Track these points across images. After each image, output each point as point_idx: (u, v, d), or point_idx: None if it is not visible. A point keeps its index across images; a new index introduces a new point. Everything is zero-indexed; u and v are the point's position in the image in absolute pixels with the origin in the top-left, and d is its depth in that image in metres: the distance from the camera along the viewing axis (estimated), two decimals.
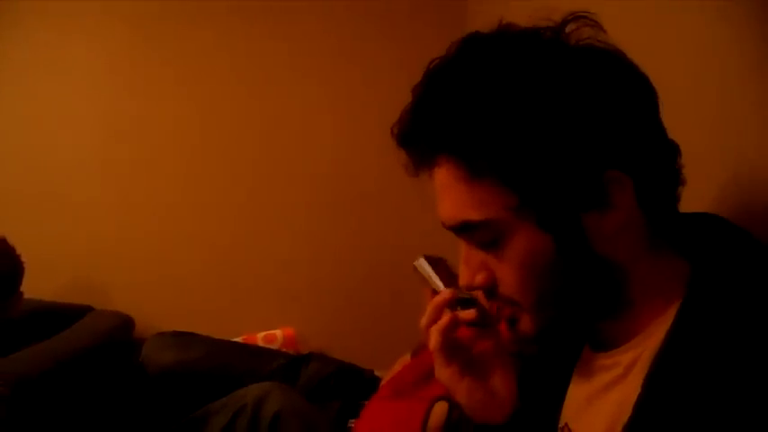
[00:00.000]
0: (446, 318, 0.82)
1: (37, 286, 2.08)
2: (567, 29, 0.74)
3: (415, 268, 0.92)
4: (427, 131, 0.75)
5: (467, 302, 0.83)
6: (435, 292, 0.88)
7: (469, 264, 0.78)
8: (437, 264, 0.92)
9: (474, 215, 0.74)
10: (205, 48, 2.42)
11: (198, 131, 2.44)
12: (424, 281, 0.91)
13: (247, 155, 2.46)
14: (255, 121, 2.45)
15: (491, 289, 0.78)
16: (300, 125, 2.46)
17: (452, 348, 0.84)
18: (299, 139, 2.46)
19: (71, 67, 2.37)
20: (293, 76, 2.45)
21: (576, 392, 0.85)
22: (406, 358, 1.84)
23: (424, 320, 0.85)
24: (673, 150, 0.76)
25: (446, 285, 0.88)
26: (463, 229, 0.76)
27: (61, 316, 2.06)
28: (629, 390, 0.72)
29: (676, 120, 0.76)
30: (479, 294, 0.81)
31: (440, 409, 1.28)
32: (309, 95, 2.47)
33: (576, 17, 0.75)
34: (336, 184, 2.47)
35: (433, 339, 0.82)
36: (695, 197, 0.79)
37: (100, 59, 2.39)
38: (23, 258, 1.95)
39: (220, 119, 2.44)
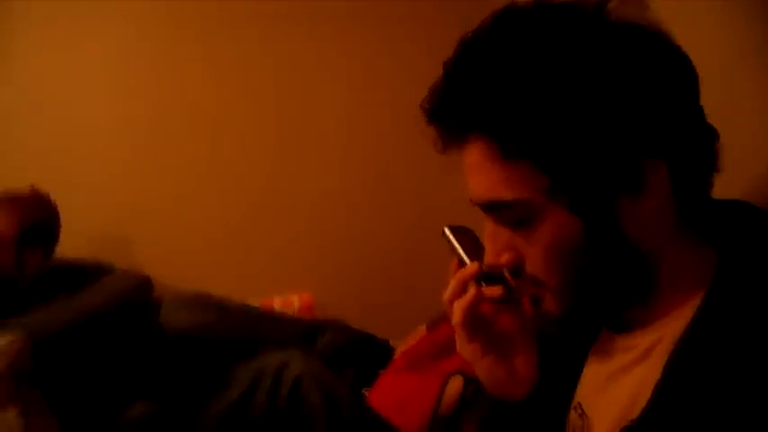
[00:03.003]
0: (472, 293, 0.81)
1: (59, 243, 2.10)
2: (610, 5, 0.72)
3: (444, 234, 0.89)
4: (460, 109, 0.72)
5: (492, 278, 0.81)
6: (461, 263, 0.86)
7: (495, 242, 0.77)
8: (463, 234, 0.89)
9: (505, 195, 0.72)
10: (225, 28, 2.40)
11: (223, 96, 2.43)
12: (452, 250, 0.88)
13: (270, 124, 2.45)
14: (280, 90, 2.44)
15: (517, 269, 0.76)
16: (324, 96, 2.45)
17: (476, 324, 0.83)
18: (322, 110, 2.45)
19: (100, 36, 2.37)
20: (317, 51, 2.44)
21: (592, 373, 0.84)
22: (422, 330, 1.85)
23: (447, 293, 0.83)
24: (711, 135, 0.74)
25: (471, 258, 0.85)
26: (493, 208, 0.75)
27: (82, 273, 2.08)
28: (648, 373, 0.71)
29: (713, 107, 0.74)
30: (505, 270, 0.80)
31: (454, 383, 1.29)
32: (333, 68, 2.45)
33: None
34: (361, 153, 2.46)
35: (457, 314, 0.81)
36: (728, 186, 0.77)
37: (129, 29, 2.38)
38: None
39: (245, 87, 2.43)
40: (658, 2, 1.06)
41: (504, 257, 0.76)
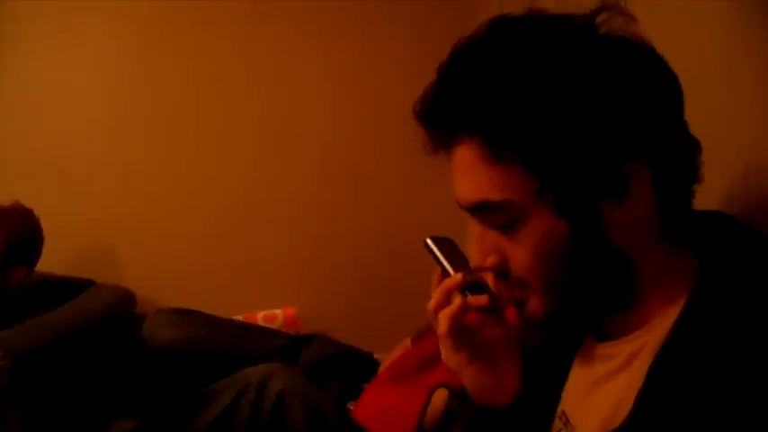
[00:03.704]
0: (457, 303, 0.82)
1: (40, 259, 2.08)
2: (599, 18, 0.74)
3: (427, 245, 0.90)
4: (453, 109, 0.74)
5: (476, 287, 0.82)
6: (444, 273, 0.87)
7: (482, 244, 0.78)
8: (445, 245, 0.90)
9: (494, 196, 0.73)
10: (213, 31, 2.40)
11: (206, 108, 2.42)
12: (435, 261, 0.89)
13: (252, 133, 2.45)
14: (264, 97, 2.44)
15: (502, 270, 0.77)
16: (308, 102, 2.45)
17: (461, 333, 0.84)
18: (307, 117, 2.45)
19: (79, 43, 2.36)
20: (298, 56, 2.44)
21: (576, 381, 0.85)
22: (406, 343, 1.84)
23: (432, 304, 0.84)
24: (693, 146, 0.76)
25: (455, 268, 0.86)
26: (480, 209, 0.76)
27: (63, 289, 2.06)
28: (631, 380, 0.72)
29: (692, 114, 0.76)
30: (489, 278, 0.81)
31: (439, 396, 1.28)
32: (316, 77, 2.45)
33: (607, 7, 0.74)
34: (341, 165, 2.46)
35: (443, 324, 0.82)
36: (705, 192, 0.79)
37: (109, 36, 2.38)
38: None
39: (228, 95, 2.43)
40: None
41: (491, 259, 0.77)
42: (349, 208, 2.47)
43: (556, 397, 0.87)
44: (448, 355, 0.84)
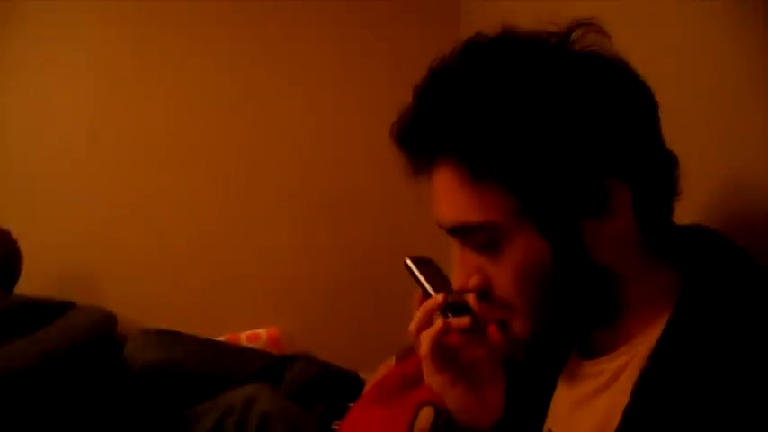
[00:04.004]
0: (438, 324, 0.81)
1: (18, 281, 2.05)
2: (573, 36, 0.74)
3: (407, 265, 0.90)
4: (430, 132, 0.74)
5: (458, 308, 0.82)
6: (425, 294, 0.86)
7: (464, 266, 0.78)
8: (425, 266, 0.90)
9: (473, 218, 0.73)
10: (194, 43, 2.39)
11: (184, 128, 2.41)
12: (415, 281, 0.89)
13: (234, 153, 2.43)
14: (243, 118, 2.43)
15: (485, 292, 0.77)
16: (287, 123, 2.44)
17: (443, 354, 0.83)
18: (286, 137, 2.44)
19: (59, 64, 2.34)
20: (281, 73, 2.43)
21: (562, 399, 0.85)
22: (391, 362, 1.83)
23: (413, 325, 0.84)
24: (671, 161, 0.76)
25: (435, 289, 0.86)
26: (461, 232, 0.76)
27: (42, 311, 2.03)
28: (616, 398, 0.72)
29: (669, 126, 0.77)
30: (470, 299, 0.80)
31: (425, 414, 1.27)
32: (297, 93, 2.44)
33: (581, 24, 0.75)
34: (323, 184, 2.45)
35: (425, 345, 0.82)
36: (686, 203, 0.79)
37: (85, 55, 2.36)
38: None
39: (207, 116, 2.41)
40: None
41: (473, 281, 0.77)
42: (332, 227, 2.46)
43: (542, 416, 0.86)
44: (430, 376, 0.84)
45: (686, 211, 0.80)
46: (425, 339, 0.82)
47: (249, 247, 2.44)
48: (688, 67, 1.01)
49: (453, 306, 0.82)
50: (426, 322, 0.83)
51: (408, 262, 0.89)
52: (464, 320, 0.81)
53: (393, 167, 0.79)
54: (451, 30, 2.26)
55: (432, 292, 0.85)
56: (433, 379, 0.84)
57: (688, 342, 0.68)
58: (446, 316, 0.82)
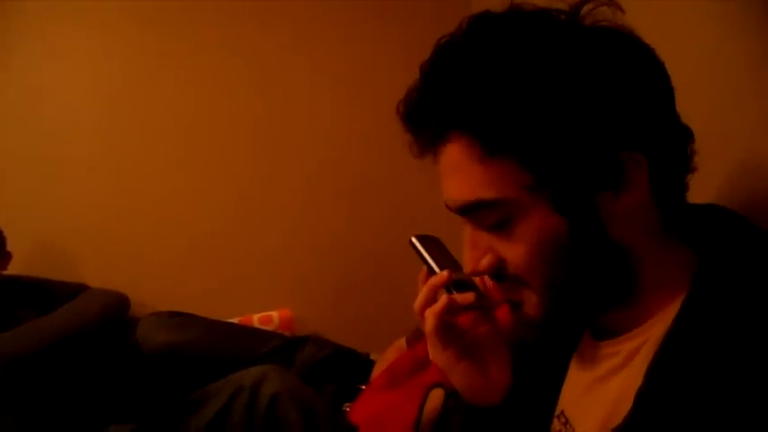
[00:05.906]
0: (443, 301, 0.80)
1: (32, 263, 2.07)
2: (583, 10, 0.73)
3: (412, 243, 0.89)
4: (440, 108, 0.72)
5: (462, 284, 0.82)
6: (430, 271, 0.86)
7: (475, 248, 0.76)
8: (430, 243, 0.89)
9: (487, 194, 0.71)
10: (204, 32, 2.39)
11: (196, 111, 2.41)
12: (420, 259, 0.88)
13: (248, 138, 2.44)
14: (255, 101, 2.43)
15: (498, 272, 0.75)
16: (299, 106, 2.44)
17: (448, 332, 0.82)
18: (300, 124, 2.44)
19: (70, 46, 2.35)
20: (292, 59, 2.43)
21: (575, 380, 0.84)
22: (401, 343, 1.83)
23: (418, 302, 0.83)
24: (686, 135, 0.74)
25: (440, 266, 0.85)
26: (473, 209, 0.74)
27: (56, 294, 2.05)
28: (630, 379, 0.71)
29: (684, 107, 0.75)
30: (485, 281, 0.80)
31: (435, 395, 1.27)
32: (308, 79, 2.44)
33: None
34: (336, 167, 2.45)
35: (429, 323, 0.81)
36: (700, 186, 0.78)
37: (97, 41, 2.37)
38: (18, 235, 1.94)
39: (219, 99, 2.41)
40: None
41: (485, 261, 0.75)
42: (344, 209, 2.46)
43: (554, 397, 0.86)
44: (435, 353, 0.83)
45: (702, 195, 0.79)
46: (430, 316, 0.81)
47: (262, 230, 2.44)
48: (706, 43, 0.99)
49: (457, 283, 0.82)
50: (431, 299, 0.82)
51: (413, 240, 0.89)
52: (468, 296, 0.80)
53: (404, 153, 0.78)
54: (462, 15, 2.24)
55: (436, 270, 0.84)
56: (438, 356, 0.83)
57: (704, 323, 0.66)
58: (450, 293, 0.81)
